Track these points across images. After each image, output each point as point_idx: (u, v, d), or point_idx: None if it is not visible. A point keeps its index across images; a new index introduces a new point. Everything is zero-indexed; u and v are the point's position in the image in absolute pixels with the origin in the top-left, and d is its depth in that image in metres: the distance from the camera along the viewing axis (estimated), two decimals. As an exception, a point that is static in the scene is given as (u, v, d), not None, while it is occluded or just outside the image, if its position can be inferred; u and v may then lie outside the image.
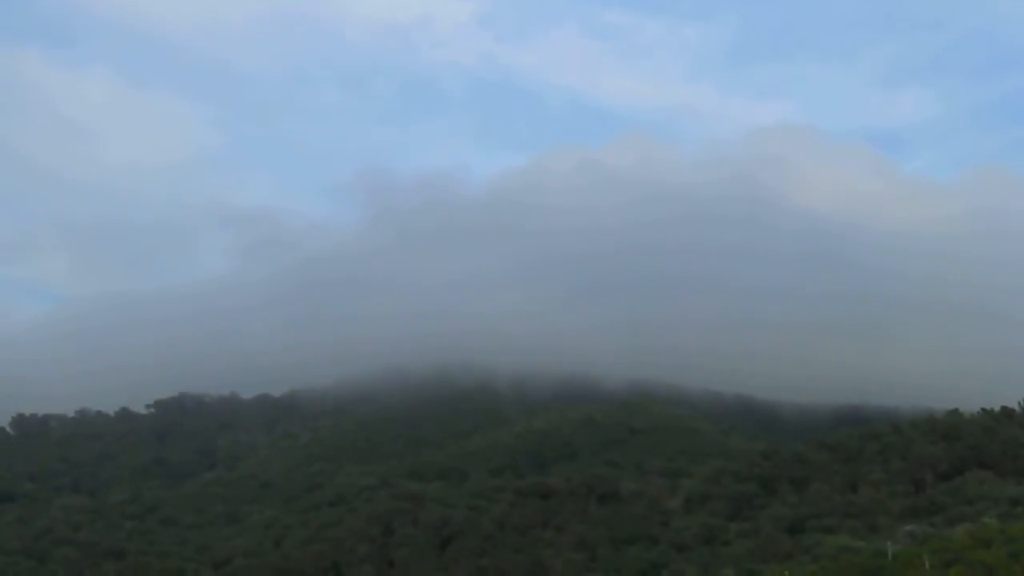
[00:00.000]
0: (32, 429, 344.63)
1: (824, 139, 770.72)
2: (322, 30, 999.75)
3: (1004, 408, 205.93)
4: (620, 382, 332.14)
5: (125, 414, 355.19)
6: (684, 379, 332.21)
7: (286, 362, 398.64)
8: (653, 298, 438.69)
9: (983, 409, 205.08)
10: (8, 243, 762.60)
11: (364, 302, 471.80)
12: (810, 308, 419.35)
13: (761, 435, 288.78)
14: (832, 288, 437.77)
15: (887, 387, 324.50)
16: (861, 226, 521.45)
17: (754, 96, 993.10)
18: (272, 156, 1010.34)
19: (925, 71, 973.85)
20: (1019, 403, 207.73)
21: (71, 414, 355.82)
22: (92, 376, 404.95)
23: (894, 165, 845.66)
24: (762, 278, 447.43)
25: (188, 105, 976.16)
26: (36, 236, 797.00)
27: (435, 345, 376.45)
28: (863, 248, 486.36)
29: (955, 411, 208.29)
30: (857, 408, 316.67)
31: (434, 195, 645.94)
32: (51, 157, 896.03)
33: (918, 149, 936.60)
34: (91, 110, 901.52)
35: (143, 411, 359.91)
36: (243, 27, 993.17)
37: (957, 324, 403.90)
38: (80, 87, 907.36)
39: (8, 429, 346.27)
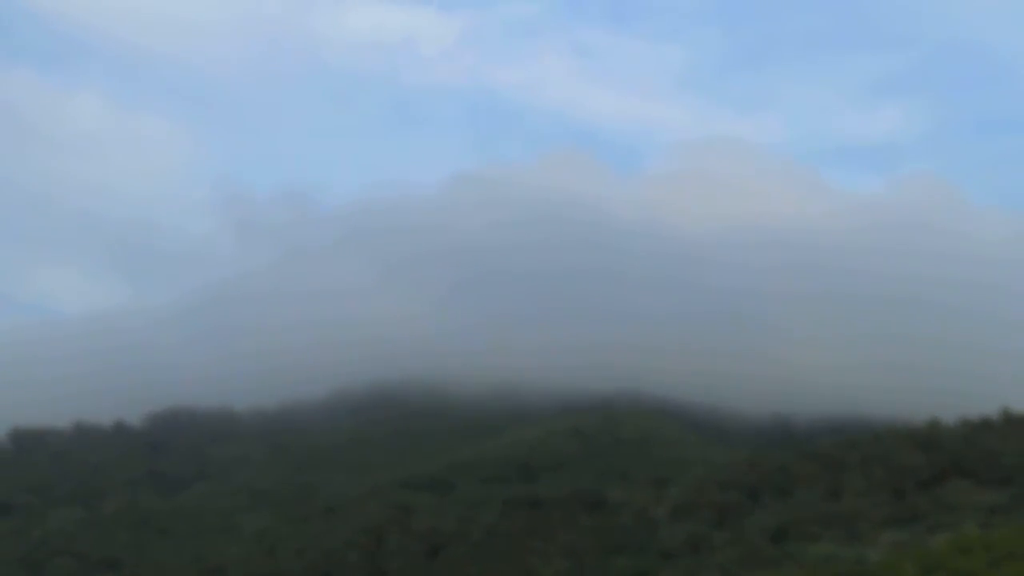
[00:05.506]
0: (29, 442, 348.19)
1: (750, 153, 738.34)
2: (307, 49, 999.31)
3: (983, 418, 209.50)
4: (562, 395, 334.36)
5: (120, 427, 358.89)
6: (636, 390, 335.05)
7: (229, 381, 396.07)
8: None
9: (962, 419, 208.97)
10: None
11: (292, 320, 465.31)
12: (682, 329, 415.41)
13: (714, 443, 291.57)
14: (698, 309, 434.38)
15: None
16: (729, 244, 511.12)
17: (733, 111, 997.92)
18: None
19: (902, 87, 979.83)
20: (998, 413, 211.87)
21: (67, 427, 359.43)
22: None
23: (823, 181, 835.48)
24: (623, 300, 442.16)
25: (166, 125, 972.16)
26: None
27: (381, 362, 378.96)
28: (725, 267, 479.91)
29: (935, 421, 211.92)
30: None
31: (292, 211, 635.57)
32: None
33: (879, 165, 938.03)
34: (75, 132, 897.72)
35: (136, 424, 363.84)
36: (225, 46, 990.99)
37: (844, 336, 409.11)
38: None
39: (5, 442, 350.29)
